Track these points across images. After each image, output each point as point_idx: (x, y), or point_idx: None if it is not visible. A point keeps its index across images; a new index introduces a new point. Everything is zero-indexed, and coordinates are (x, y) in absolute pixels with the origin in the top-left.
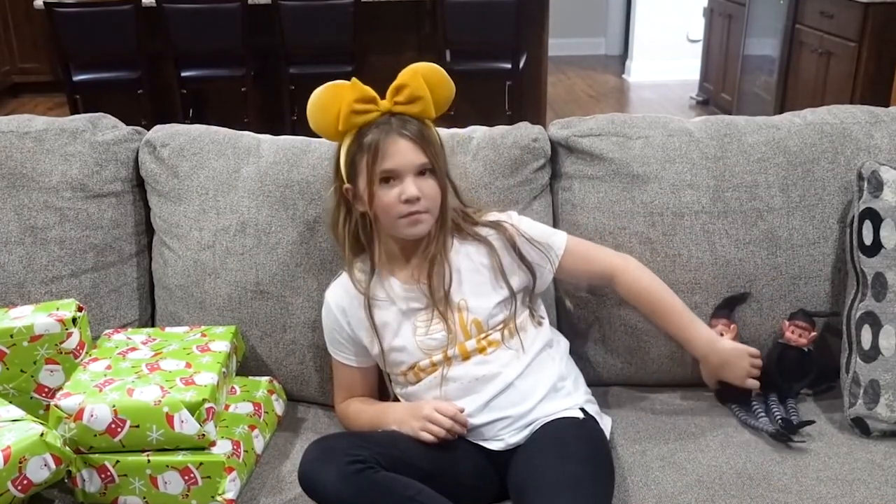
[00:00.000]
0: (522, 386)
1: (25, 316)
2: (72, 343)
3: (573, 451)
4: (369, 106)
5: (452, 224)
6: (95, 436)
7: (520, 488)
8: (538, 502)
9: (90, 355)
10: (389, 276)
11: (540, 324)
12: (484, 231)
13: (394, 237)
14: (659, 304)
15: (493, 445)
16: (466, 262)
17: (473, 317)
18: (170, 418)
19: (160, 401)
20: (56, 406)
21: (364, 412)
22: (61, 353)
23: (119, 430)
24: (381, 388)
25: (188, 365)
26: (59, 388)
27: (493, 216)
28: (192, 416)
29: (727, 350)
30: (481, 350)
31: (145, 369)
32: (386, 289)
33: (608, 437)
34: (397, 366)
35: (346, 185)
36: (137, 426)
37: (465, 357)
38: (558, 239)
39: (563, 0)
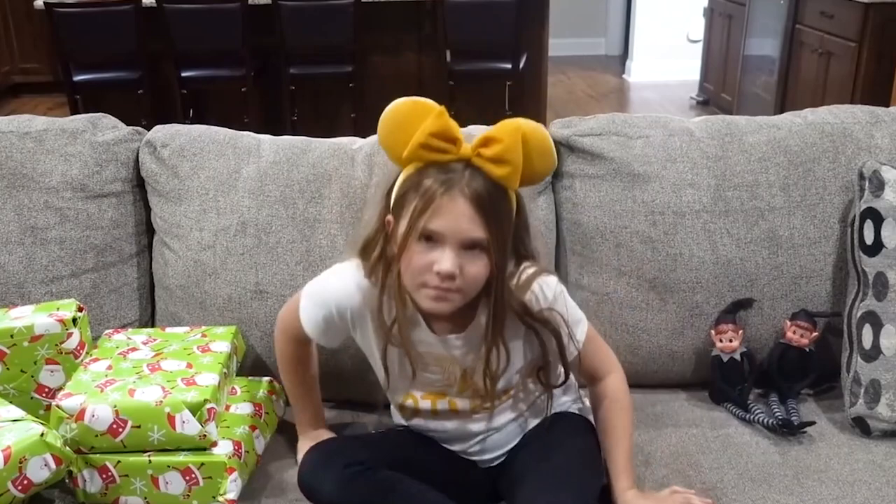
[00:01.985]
0: (513, 426)
1: (26, 316)
2: (72, 343)
3: (559, 443)
4: (447, 146)
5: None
6: (97, 436)
7: (509, 485)
8: (527, 495)
9: (91, 355)
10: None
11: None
12: (536, 323)
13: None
14: (613, 434)
15: (483, 459)
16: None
17: (476, 379)
18: (171, 419)
19: (162, 401)
20: (57, 406)
21: (292, 389)
22: (61, 353)
23: (120, 430)
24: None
25: (189, 365)
26: (60, 389)
27: (538, 291)
28: (194, 416)
29: None
30: (474, 410)
31: (146, 369)
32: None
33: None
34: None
35: (389, 217)
36: (139, 426)
37: (454, 409)
38: (579, 331)
39: (563, 0)
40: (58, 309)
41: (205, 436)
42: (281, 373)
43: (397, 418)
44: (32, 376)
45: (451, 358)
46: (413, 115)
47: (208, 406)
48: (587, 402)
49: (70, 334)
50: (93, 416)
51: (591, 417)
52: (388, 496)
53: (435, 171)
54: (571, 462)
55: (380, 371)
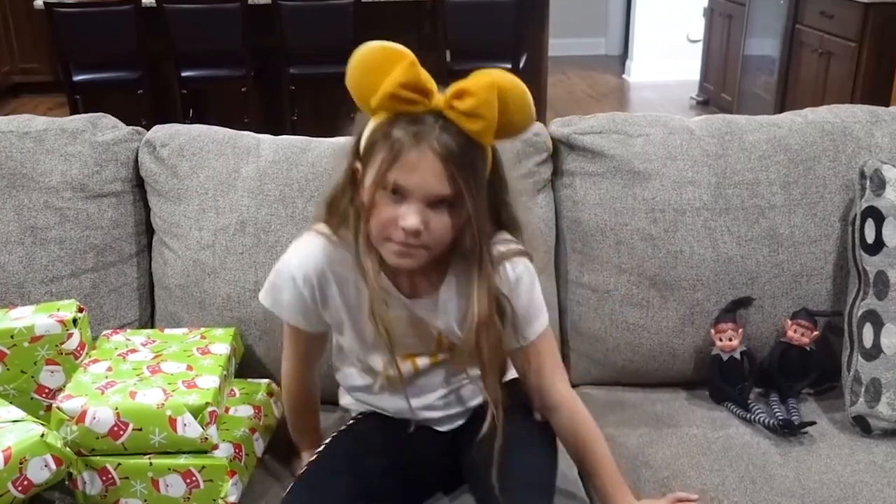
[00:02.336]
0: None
1: (26, 317)
2: (72, 344)
3: (520, 423)
4: (417, 97)
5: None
6: (97, 438)
7: (475, 468)
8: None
9: (90, 356)
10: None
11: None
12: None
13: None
14: (593, 448)
15: (442, 427)
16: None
17: (451, 341)
18: (172, 421)
19: (163, 404)
20: (58, 408)
21: (296, 424)
22: (62, 353)
23: (121, 432)
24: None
25: (189, 367)
26: (60, 390)
27: (508, 253)
28: (195, 419)
29: None
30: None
31: (146, 371)
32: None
33: None
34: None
35: (357, 165)
36: (140, 429)
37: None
38: (535, 325)
39: (563, 0)
40: (58, 309)
41: (206, 439)
42: (287, 412)
43: (347, 400)
44: (32, 377)
45: (423, 322)
46: (383, 62)
47: (210, 409)
48: None
49: (70, 335)
50: (94, 418)
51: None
52: None
53: (405, 122)
54: (535, 436)
55: (352, 341)
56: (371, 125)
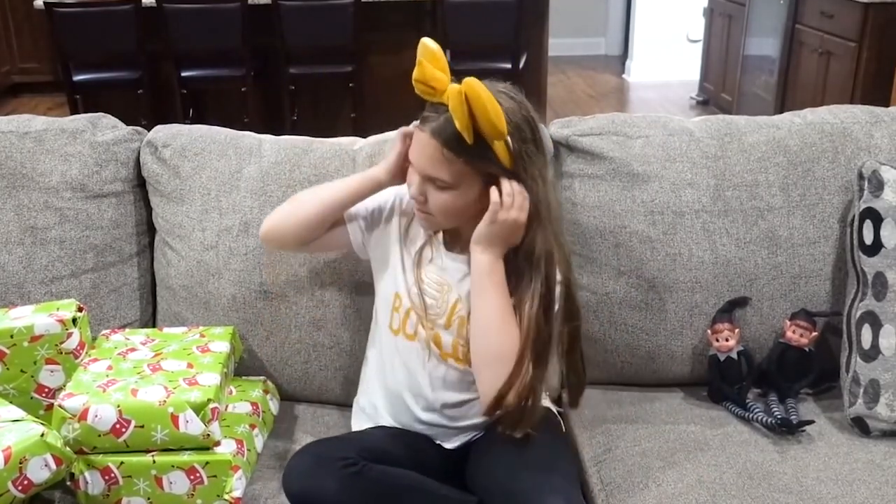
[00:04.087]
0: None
1: (26, 316)
2: (72, 343)
3: (532, 440)
4: (428, 90)
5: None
6: (99, 436)
7: (484, 485)
8: (512, 487)
9: (90, 356)
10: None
11: None
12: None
13: None
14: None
15: (449, 444)
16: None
17: (462, 314)
18: (175, 419)
19: (165, 401)
20: (60, 406)
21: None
22: (61, 353)
23: (124, 430)
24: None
25: (189, 365)
26: (60, 389)
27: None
28: (197, 416)
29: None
30: (462, 355)
31: (147, 369)
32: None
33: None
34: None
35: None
36: (142, 426)
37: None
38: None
39: (563, 0)
40: (58, 309)
41: (208, 435)
42: (302, 205)
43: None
44: (32, 376)
45: (448, 283)
46: (419, 55)
47: (212, 406)
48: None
49: (70, 334)
50: (96, 416)
51: (553, 408)
52: (387, 486)
53: (430, 107)
54: (549, 455)
55: (387, 282)
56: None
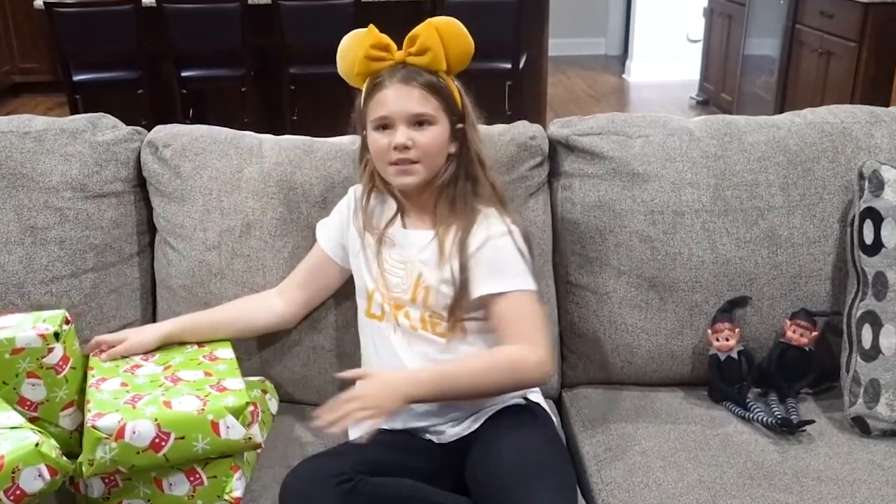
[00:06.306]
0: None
1: (10, 327)
2: (53, 358)
3: (530, 438)
4: (383, 53)
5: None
6: (138, 453)
7: (483, 482)
8: (510, 492)
9: (94, 375)
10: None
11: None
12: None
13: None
14: (468, 358)
15: (439, 438)
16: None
17: (427, 284)
18: (215, 426)
19: (203, 409)
20: (94, 427)
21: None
22: (42, 367)
23: (163, 443)
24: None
25: (207, 373)
26: (42, 403)
27: (493, 216)
28: (237, 420)
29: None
30: (431, 327)
31: (168, 381)
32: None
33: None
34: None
35: (364, 132)
36: (182, 437)
37: (413, 327)
38: (503, 284)
39: (563, 0)
40: (43, 321)
41: (249, 438)
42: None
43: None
44: (15, 388)
45: (411, 260)
46: (353, 42)
47: (250, 409)
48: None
49: (51, 349)
50: (133, 432)
51: (543, 403)
52: (392, 502)
53: (380, 78)
54: (547, 456)
55: (359, 274)
56: (361, 97)
